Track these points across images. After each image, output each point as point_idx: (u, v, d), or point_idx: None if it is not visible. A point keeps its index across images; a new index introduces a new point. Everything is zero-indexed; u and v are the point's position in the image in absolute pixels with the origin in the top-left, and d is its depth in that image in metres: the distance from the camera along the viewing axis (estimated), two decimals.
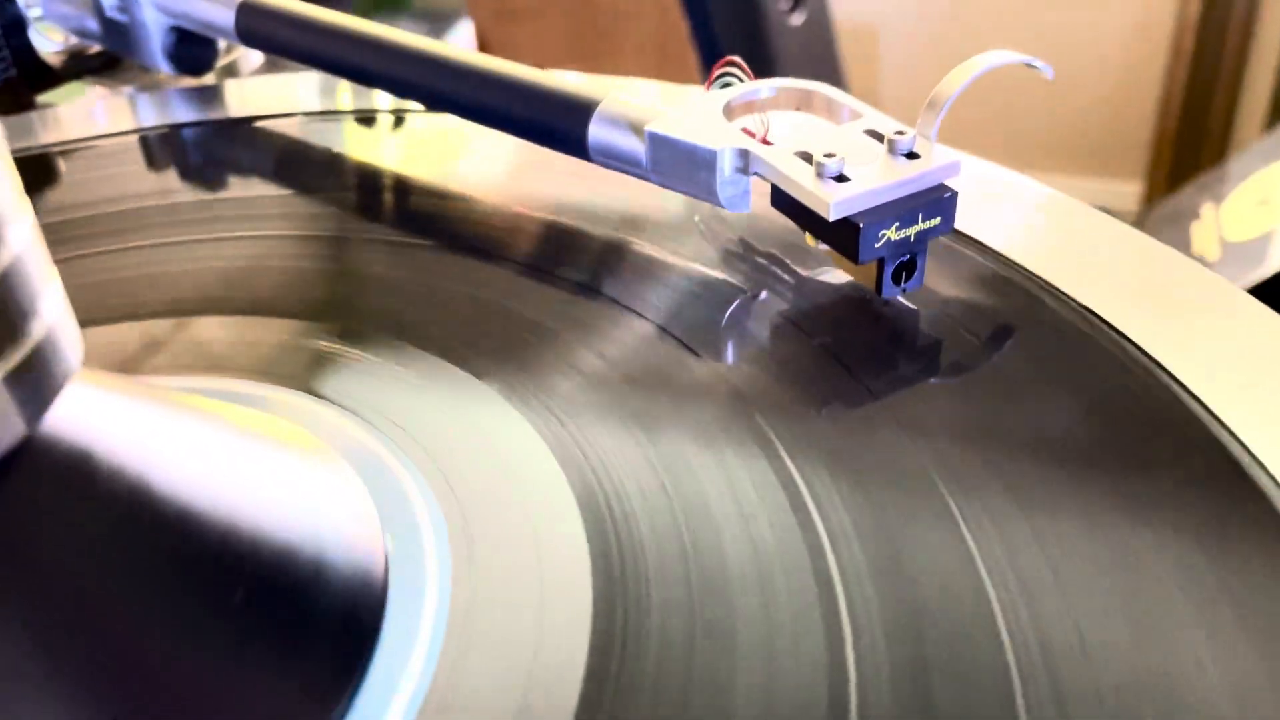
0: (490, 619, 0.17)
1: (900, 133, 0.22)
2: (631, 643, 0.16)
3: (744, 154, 0.23)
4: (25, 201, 0.15)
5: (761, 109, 0.25)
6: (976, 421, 0.20)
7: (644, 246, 0.25)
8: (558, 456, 0.20)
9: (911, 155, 0.22)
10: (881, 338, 0.22)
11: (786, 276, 0.24)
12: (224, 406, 0.20)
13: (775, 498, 0.18)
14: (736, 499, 0.18)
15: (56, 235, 0.29)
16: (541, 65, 0.27)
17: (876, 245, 0.21)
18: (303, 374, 0.22)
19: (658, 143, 0.23)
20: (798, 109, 0.25)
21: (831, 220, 0.21)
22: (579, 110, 0.25)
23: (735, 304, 0.23)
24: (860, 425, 0.20)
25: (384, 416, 0.21)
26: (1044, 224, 0.26)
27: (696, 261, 0.25)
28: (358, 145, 0.32)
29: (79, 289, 0.25)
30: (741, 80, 0.25)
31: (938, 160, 0.22)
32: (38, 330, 0.15)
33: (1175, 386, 0.20)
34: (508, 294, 0.24)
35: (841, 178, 0.21)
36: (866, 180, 0.21)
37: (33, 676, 0.15)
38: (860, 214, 0.21)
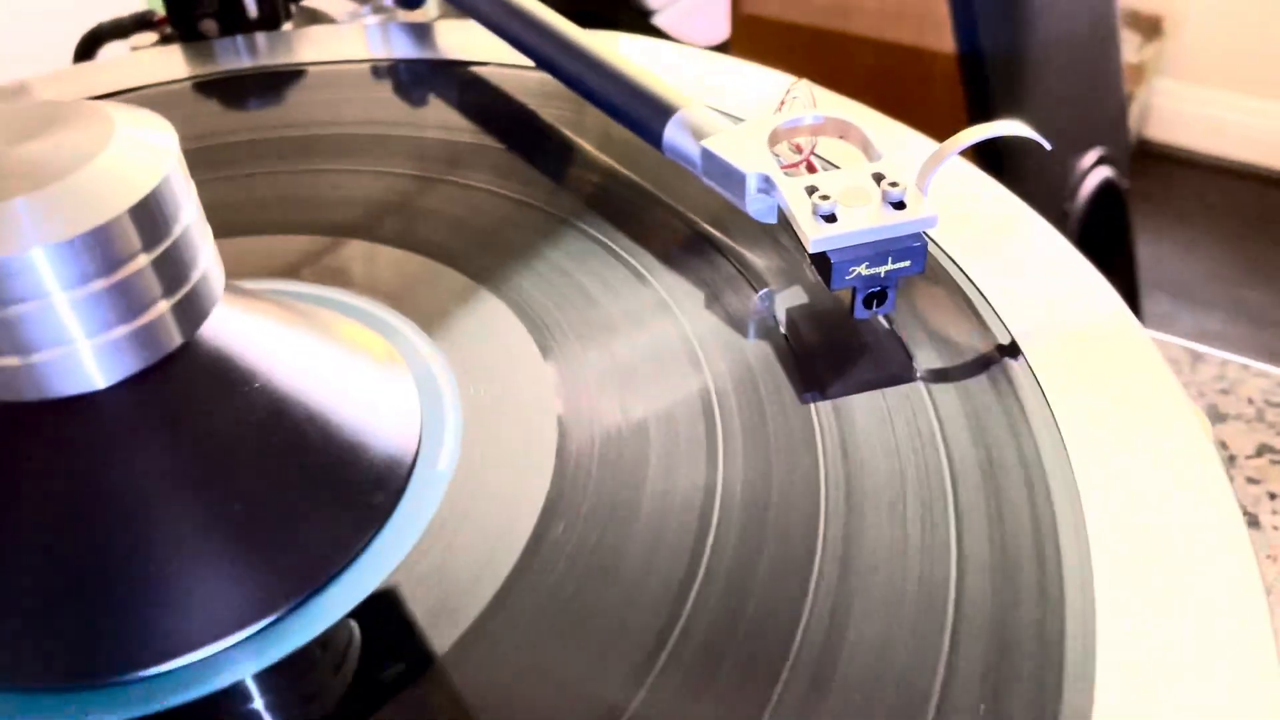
0: (488, 476, 0.25)
1: (895, 185, 0.26)
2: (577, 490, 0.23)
3: (767, 179, 0.28)
4: (191, 186, 0.22)
5: (812, 133, 0.29)
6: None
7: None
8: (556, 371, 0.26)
9: (900, 205, 0.26)
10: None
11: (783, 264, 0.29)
12: (327, 314, 0.28)
13: (692, 403, 0.25)
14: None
15: (268, 151, 0.37)
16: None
17: (847, 277, 0.26)
18: (407, 296, 0.29)
19: (708, 156, 0.29)
20: (841, 138, 0.29)
21: (811, 254, 0.26)
22: (663, 112, 0.30)
23: (729, 278, 0.29)
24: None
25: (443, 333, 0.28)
26: None
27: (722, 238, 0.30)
28: (543, 100, 0.38)
29: (261, 202, 0.33)
30: (801, 100, 0.30)
31: (918, 214, 0.26)
32: (195, 276, 0.22)
33: None
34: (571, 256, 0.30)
35: (831, 218, 0.26)
36: (850, 223, 0.26)
37: (191, 501, 0.22)
38: (836, 250, 0.26)
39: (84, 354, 0.21)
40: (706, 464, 0.25)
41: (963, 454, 0.24)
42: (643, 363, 0.27)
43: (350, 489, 0.24)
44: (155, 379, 0.22)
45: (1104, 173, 0.96)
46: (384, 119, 0.38)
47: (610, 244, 0.31)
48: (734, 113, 0.34)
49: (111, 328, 0.21)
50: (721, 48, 1.06)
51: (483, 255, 0.31)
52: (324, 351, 0.26)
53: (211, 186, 0.29)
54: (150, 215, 0.21)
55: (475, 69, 0.40)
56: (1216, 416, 0.45)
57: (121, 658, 0.22)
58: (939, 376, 0.26)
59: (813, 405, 0.26)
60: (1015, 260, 0.29)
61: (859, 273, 0.26)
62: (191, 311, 0.22)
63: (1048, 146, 0.27)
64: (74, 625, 0.22)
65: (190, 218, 0.22)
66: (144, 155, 0.21)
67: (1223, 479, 0.23)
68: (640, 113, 0.31)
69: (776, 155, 0.28)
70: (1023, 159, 0.83)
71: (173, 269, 0.21)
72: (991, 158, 0.43)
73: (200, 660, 0.22)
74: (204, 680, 0.21)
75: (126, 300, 0.21)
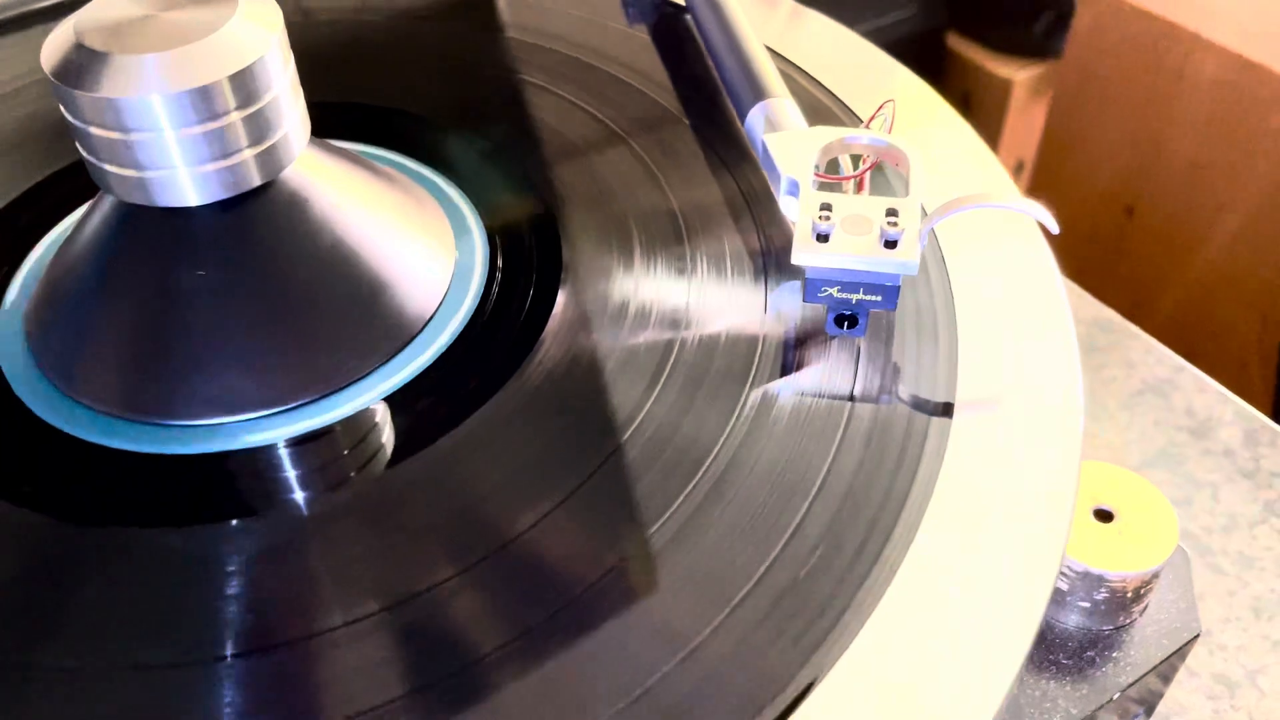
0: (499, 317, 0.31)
1: (894, 224, 0.29)
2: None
3: (796, 184, 0.30)
4: (289, 63, 0.28)
5: (866, 153, 0.32)
6: None
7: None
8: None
9: (892, 244, 0.29)
10: None
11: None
12: (395, 175, 0.33)
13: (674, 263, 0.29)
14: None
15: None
16: None
17: (819, 294, 0.29)
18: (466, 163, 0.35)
19: (764, 149, 0.32)
20: (895, 165, 0.31)
21: (794, 264, 0.29)
22: (756, 95, 0.33)
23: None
24: None
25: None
26: None
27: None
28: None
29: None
30: (885, 121, 0.32)
31: (900, 258, 0.28)
32: (278, 135, 0.28)
33: None
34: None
35: (824, 238, 0.29)
36: (836, 248, 0.28)
37: (251, 298, 0.29)
38: (814, 269, 0.29)
39: (182, 178, 0.27)
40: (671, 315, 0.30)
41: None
42: (638, 226, 0.32)
43: (387, 312, 0.30)
44: (236, 206, 0.29)
45: None
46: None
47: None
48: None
49: (205, 163, 0.27)
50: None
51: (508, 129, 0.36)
52: (383, 203, 0.32)
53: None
54: (245, 84, 0.27)
55: None
56: None
57: (188, 407, 0.29)
58: None
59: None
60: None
61: (831, 294, 0.29)
62: (271, 161, 0.28)
63: (1055, 231, 0.28)
64: (155, 376, 0.29)
65: (280, 89, 0.28)
66: (252, 36, 0.27)
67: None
68: (740, 87, 0.34)
69: (817, 165, 0.31)
70: None
71: (259, 126, 0.27)
72: None
73: (241, 420, 0.28)
74: (239, 437, 0.28)
75: (219, 145, 0.27)
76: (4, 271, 0.33)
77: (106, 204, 0.30)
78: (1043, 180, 1.06)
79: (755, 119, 0.33)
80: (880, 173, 0.34)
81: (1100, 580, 0.31)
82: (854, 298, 0.29)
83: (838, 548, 0.25)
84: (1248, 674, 0.40)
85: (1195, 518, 0.44)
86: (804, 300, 0.29)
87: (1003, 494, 0.27)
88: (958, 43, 1.30)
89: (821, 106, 0.37)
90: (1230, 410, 0.48)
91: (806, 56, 0.39)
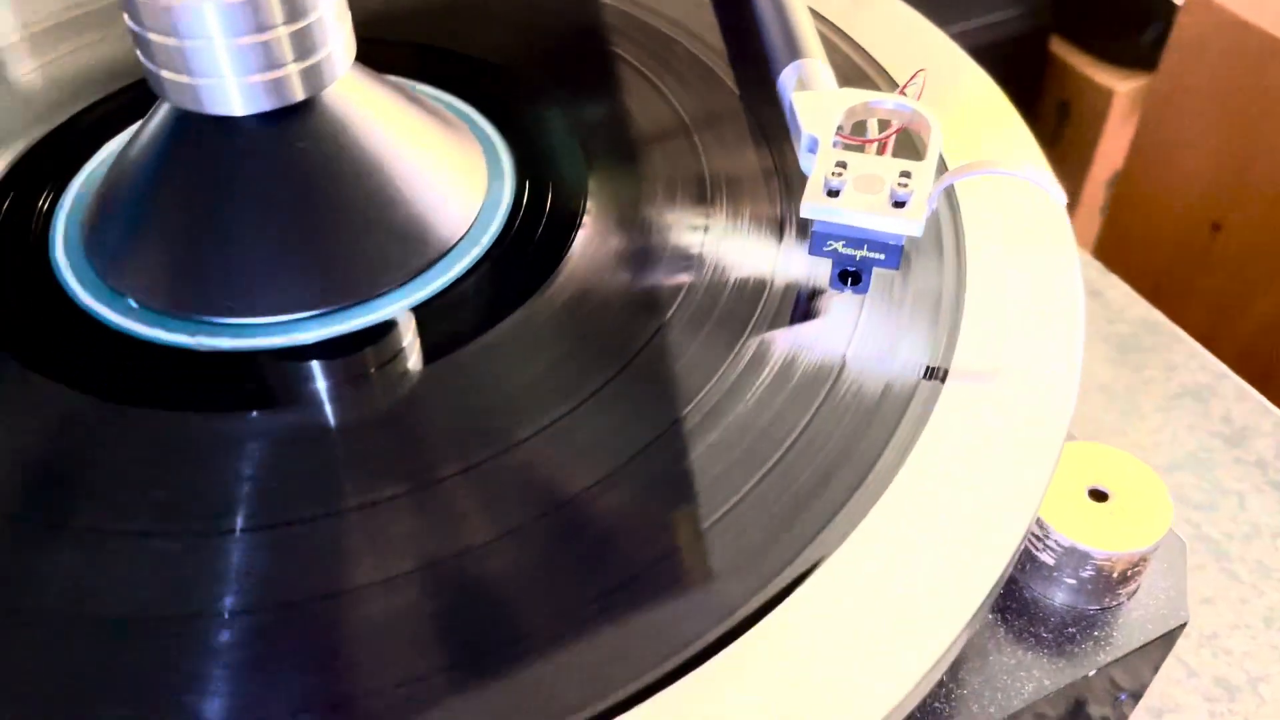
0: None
1: (904, 185, 0.29)
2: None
3: (815, 140, 0.31)
4: None
5: (889, 117, 0.32)
6: None
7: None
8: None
9: (900, 204, 0.29)
10: None
11: None
12: (433, 105, 0.35)
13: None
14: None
15: None
16: None
17: (824, 249, 0.30)
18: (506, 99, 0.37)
19: (791, 107, 0.32)
20: (913, 128, 0.32)
21: (801, 216, 0.30)
22: (791, 54, 0.34)
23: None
24: None
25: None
26: None
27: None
28: None
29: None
30: (917, 89, 0.32)
31: (905, 218, 0.29)
32: (321, 54, 0.30)
33: None
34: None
35: (834, 193, 0.29)
36: (844, 204, 0.29)
37: (286, 206, 0.31)
38: (820, 222, 0.29)
39: (230, 87, 0.29)
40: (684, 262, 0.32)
41: None
42: (666, 184, 0.34)
43: (415, 232, 0.32)
44: (281, 119, 0.30)
45: None
46: None
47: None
48: None
49: (251, 74, 0.29)
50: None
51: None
52: (420, 131, 0.33)
53: None
54: (292, 2, 0.28)
55: None
56: None
57: (224, 306, 0.31)
58: None
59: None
60: None
61: (835, 248, 0.29)
62: (315, 77, 0.30)
63: (1062, 201, 0.29)
64: (194, 275, 0.31)
65: (326, 9, 0.29)
66: None
67: None
68: (777, 46, 0.35)
69: (842, 127, 0.31)
70: None
71: (304, 44, 0.29)
72: None
73: (279, 321, 0.30)
74: (268, 336, 0.30)
75: (266, 58, 0.29)
76: (67, 174, 0.35)
77: (162, 112, 0.32)
78: (1129, 190, 1.05)
79: (788, 78, 0.34)
80: (911, 143, 0.34)
81: (1086, 557, 0.31)
82: (858, 254, 0.29)
83: (803, 488, 0.26)
84: (1250, 680, 0.40)
85: (1218, 523, 0.44)
86: (809, 253, 0.30)
87: (977, 464, 0.27)
88: (1061, 48, 1.28)
89: (864, 76, 0.38)
90: (1270, 422, 0.47)
91: (858, 27, 0.40)
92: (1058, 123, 1.32)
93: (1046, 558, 0.32)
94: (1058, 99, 1.31)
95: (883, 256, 0.29)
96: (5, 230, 0.34)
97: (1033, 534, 0.32)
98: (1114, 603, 0.33)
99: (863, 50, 0.39)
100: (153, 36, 0.28)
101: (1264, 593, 0.42)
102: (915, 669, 0.23)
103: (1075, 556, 0.32)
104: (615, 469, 0.27)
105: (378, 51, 0.34)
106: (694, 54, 0.40)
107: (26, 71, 0.41)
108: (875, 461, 0.27)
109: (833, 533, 0.25)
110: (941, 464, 0.27)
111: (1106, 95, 1.25)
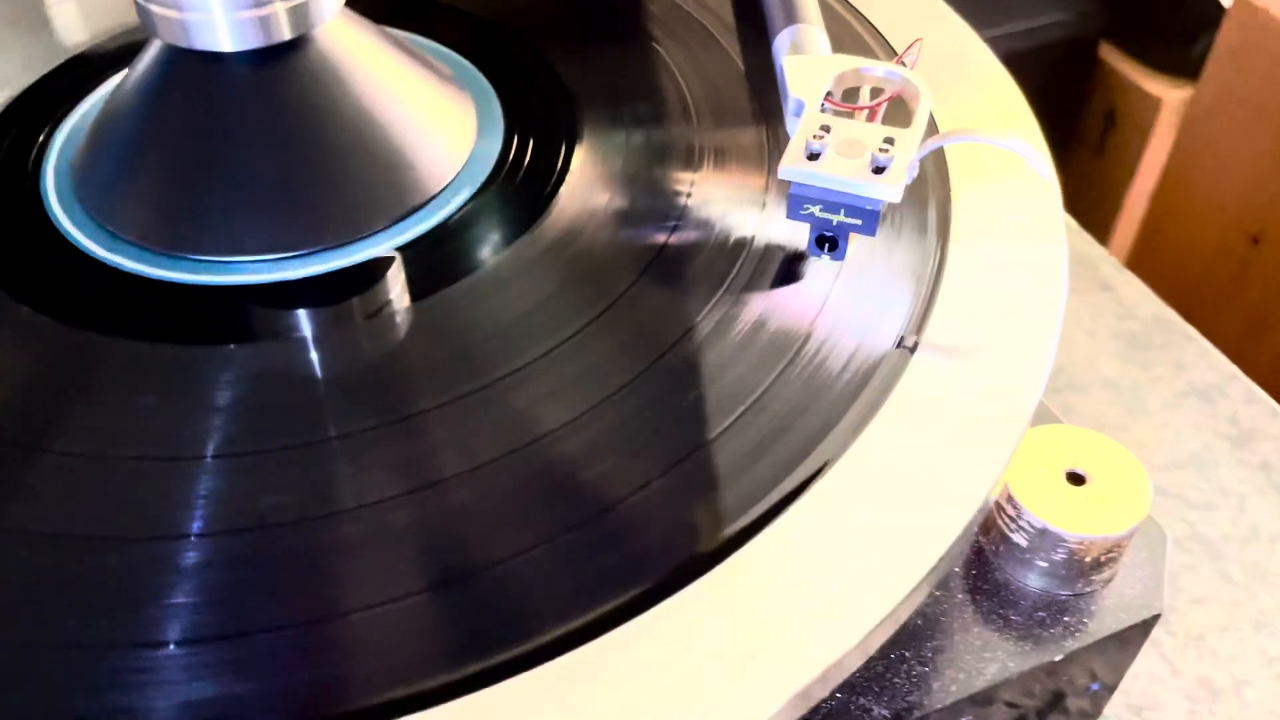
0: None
1: (886, 150, 0.29)
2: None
3: (801, 104, 0.31)
4: None
5: (879, 84, 0.32)
6: None
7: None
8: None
9: (879, 170, 0.29)
10: None
11: None
12: (427, 57, 0.35)
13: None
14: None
15: None
16: None
17: (801, 212, 0.29)
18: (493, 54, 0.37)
19: (781, 71, 0.32)
20: (905, 96, 0.31)
21: (779, 178, 0.29)
22: (788, 19, 0.34)
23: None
24: None
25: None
26: None
27: None
28: None
29: None
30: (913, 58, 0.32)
31: (883, 184, 0.28)
32: None
33: None
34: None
35: (814, 156, 0.29)
36: (823, 167, 0.29)
37: (271, 142, 0.31)
38: (798, 185, 0.29)
39: (218, 22, 0.29)
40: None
41: None
42: (655, 147, 0.34)
43: (400, 176, 0.32)
44: (269, 59, 0.31)
45: None
46: None
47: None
48: None
49: (240, 10, 0.29)
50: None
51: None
52: (408, 79, 0.33)
53: None
54: None
55: None
56: None
57: (208, 243, 0.31)
58: None
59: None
60: None
61: (813, 212, 0.29)
62: (301, 17, 0.30)
63: (1043, 172, 0.28)
64: (180, 212, 0.31)
65: None
66: None
67: None
68: (774, 7, 0.34)
69: (832, 93, 0.31)
70: None
71: None
72: None
73: (262, 260, 0.31)
74: (250, 273, 0.30)
75: None
76: (59, 114, 0.36)
77: (152, 50, 0.32)
78: (1167, 199, 1.03)
79: (782, 42, 0.33)
80: (903, 111, 0.34)
81: (1058, 540, 0.31)
82: (835, 219, 0.29)
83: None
84: (1235, 683, 0.39)
85: (1216, 524, 0.43)
86: (787, 217, 0.29)
87: (937, 438, 0.27)
88: (1111, 54, 1.26)
89: (863, 45, 0.38)
90: (1278, 425, 0.46)
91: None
92: (1104, 131, 1.30)
93: (1020, 539, 0.32)
94: (1105, 107, 1.29)
95: (860, 222, 0.29)
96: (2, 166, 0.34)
97: (1007, 515, 0.32)
98: (1087, 589, 0.32)
99: (865, 19, 0.39)
100: None
101: (1256, 596, 0.41)
102: (852, 634, 0.23)
103: (1048, 539, 0.31)
104: (581, 414, 0.27)
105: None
106: (695, 17, 0.39)
107: (50, 3, 0.41)
108: (836, 424, 0.27)
109: (782, 491, 0.25)
110: (901, 435, 0.27)
111: (1155, 104, 1.23)
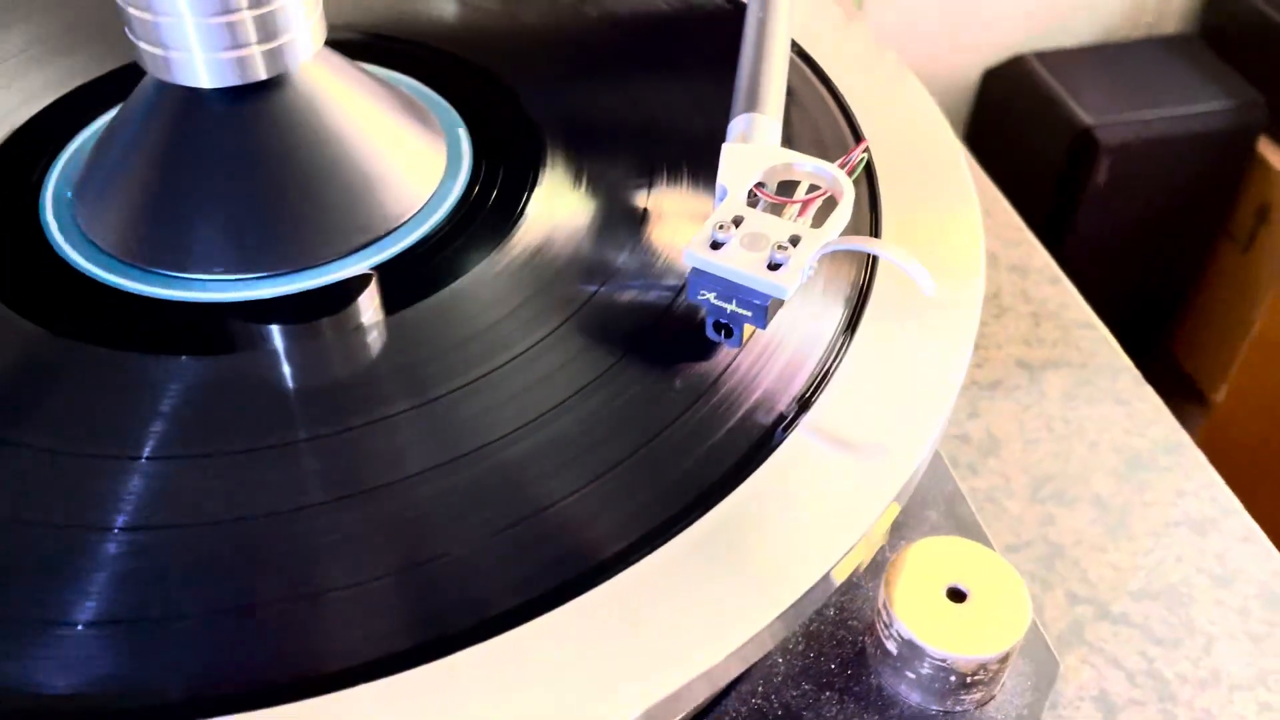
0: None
1: (785, 249, 0.29)
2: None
3: (724, 191, 0.32)
4: None
5: (808, 179, 0.32)
6: None
7: None
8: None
9: (775, 267, 0.29)
10: None
11: None
12: (401, 92, 0.38)
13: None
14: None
15: None
16: None
17: (698, 296, 0.30)
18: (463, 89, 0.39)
19: (720, 157, 0.33)
20: (835, 195, 0.32)
21: (683, 263, 0.30)
22: (747, 102, 0.35)
23: None
24: None
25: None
26: None
27: None
28: None
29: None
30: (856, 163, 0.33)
31: (774, 281, 0.29)
32: (285, 38, 0.32)
33: None
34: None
35: (716, 244, 0.30)
36: (721, 258, 0.30)
37: (246, 173, 0.34)
38: (696, 270, 0.30)
39: (197, 61, 0.32)
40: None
41: None
42: (614, 182, 0.35)
43: (370, 204, 0.35)
44: (246, 95, 0.33)
45: None
46: None
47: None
48: None
49: (218, 51, 0.32)
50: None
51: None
52: (380, 114, 0.36)
53: None
54: None
55: None
56: None
57: (183, 262, 0.34)
58: None
59: None
60: None
61: (708, 298, 0.30)
62: (278, 58, 0.33)
63: (928, 290, 0.28)
64: (160, 232, 0.34)
65: (290, 1, 0.32)
66: None
67: None
68: (739, 89, 0.35)
69: (764, 184, 0.32)
70: None
71: (268, 27, 0.32)
72: None
73: (239, 279, 0.33)
74: (219, 291, 0.33)
75: (230, 37, 0.32)
76: (61, 140, 0.39)
77: (144, 85, 0.35)
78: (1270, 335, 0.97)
79: (735, 127, 0.34)
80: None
81: (923, 654, 0.31)
82: (728, 307, 0.30)
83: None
84: None
85: (1175, 663, 0.41)
86: (688, 297, 0.30)
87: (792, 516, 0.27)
88: (1269, 150, 1.20)
89: (839, 134, 0.38)
90: (1270, 570, 0.44)
91: (851, 88, 0.40)
92: (1255, 226, 1.24)
93: (891, 646, 0.32)
94: (1258, 201, 1.23)
95: (749, 314, 0.30)
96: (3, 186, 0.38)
97: (883, 620, 0.32)
98: (957, 708, 0.32)
99: (845, 105, 0.39)
100: (133, 11, 0.32)
101: None
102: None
103: (915, 651, 0.31)
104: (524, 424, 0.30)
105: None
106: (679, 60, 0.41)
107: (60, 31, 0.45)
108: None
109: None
110: (765, 501, 0.28)
111: None
